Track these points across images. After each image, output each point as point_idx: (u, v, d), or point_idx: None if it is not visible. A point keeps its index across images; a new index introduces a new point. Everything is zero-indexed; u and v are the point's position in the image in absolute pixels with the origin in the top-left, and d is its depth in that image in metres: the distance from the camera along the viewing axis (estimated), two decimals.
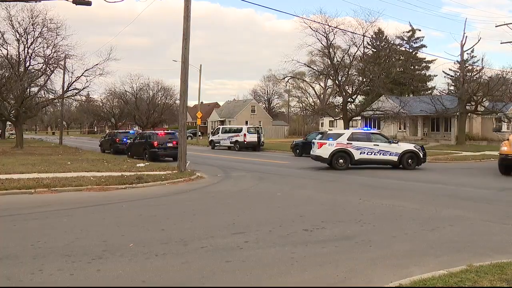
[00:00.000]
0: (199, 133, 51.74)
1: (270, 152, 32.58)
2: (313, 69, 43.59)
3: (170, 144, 22.83)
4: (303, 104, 70.61)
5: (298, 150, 27.67)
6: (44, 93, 33.79)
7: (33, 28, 29.46)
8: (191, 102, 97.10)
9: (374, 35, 40.24)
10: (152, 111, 59.19)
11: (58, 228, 7.26)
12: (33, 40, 29.95)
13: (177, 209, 9.39)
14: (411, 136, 43.23)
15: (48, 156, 22.43)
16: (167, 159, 22.72)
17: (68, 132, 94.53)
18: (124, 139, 28.70)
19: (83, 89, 34.41)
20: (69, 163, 18.30)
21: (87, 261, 5.36)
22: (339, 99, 41.57)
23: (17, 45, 30.03)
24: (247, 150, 33.12)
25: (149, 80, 63.42)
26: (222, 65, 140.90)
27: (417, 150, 18.46)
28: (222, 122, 67.72)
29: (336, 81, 36.65)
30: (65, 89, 34.76)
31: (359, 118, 43.09)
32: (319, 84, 64.99)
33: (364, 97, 44.56)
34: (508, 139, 16.37)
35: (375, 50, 42.09)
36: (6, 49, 29.88)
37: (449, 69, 50.60)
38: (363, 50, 36.70)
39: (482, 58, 49.73)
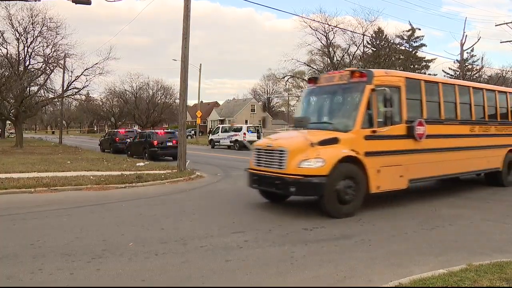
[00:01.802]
0: (193, 132, 51.57)
1: None
2: (313, 68, 43.51)
3: (169, 143, 22.87)
4: None
5: None
6: (44, 92, 33.89)
7: (33, 27, 29.55)
8: (191, 101, 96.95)
9: (373, 34, 40.17)
10: (152, 110, 59.25)
11: (57, 227, 7.26)
12: (33, 39, 30.03)
13: (177, 208, 9.38)
14: None
15: (48, 155, 22.44)
16: (166, 158, 22.72)
17: (67, 132, 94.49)
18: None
19: (82, 88, 34.57)
20: (68, 162, 18.30)
21: (87, 260, 5.36)
22: None
23: (17, 44, 30.14)
24: (247, 149, 33.09)
25: (149, 79, 63.68)
26: (222, 64, 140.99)
27: None
28: (222, 122, 67.73)
29: None
30: (64, 88, 34.79)
31: None
32: None
33: None
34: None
35: (375, 49, 42.03)
36: (6, 48, 29.97)
37: (449, 68, 50.71)
38: (363, 49, 36.82)
39: (482, 57, 49.69)
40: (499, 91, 12.88)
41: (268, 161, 8.74)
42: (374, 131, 8.49)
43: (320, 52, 38.89)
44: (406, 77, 9.54)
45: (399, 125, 9.01)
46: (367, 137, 8.43)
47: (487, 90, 12.39)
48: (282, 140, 8.91)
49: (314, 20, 33.79)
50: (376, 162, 8.48)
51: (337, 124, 8.84)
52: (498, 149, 11.98)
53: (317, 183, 7.82)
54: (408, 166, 9.14)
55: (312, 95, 10.25)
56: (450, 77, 48.37)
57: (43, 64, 31.38)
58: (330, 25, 33.46)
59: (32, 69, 31.96)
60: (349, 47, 35.66)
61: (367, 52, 39.74)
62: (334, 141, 8.22)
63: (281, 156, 8.32)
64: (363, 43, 35.75)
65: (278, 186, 8.39)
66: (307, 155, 7.96)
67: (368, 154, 8.38)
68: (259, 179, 8.95)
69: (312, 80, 10.32)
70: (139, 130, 39.17)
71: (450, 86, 11.18)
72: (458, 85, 11.40)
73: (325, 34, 34.44)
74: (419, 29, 57.01)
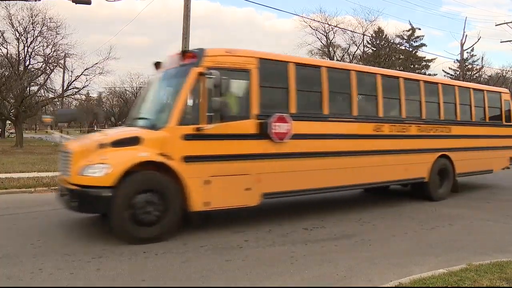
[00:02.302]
0: None
1: None
2: None
3: None
4: None
5: None
6: (44, 92, 33.91)
7: (33, 27, 29.57)
8: None
9: (374, 34, 40.21)
10: None
11: (57, 227, 7.25)
12: (33, 39, 30.03)
13: None
14: None
15: (48, 155, 22.42)
16: None
17: (68, 132, 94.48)
18: None
19: (82, 88, 34.61)
20: None
21: (87, 260, 5.36)
22: None
23: (17, 44, 30.14)
24: None
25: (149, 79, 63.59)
26: None
27: None
28: None
29: None
30: (65, 88, 34.81)
31: None
32: None
33: None
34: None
35: (375, 49, 42.07)
36: (6, 48, 29.98)
37: (449, 68, 50.71)
38: (363, 49, 36.85)
39: (482, 57, 49.77)
40: (425, 81, 10.30)
41: (62, 166, 6.92)
42: (198, 129, 6.41)
43: (320, 52, 38.94)
44: (261, 58, 7.17)
45: (245, 121, 6.89)
46: (188, 137, 6.38)
47: (406, 79, 9.69)
48: (76, 140, 7.37)
49: (314, 20, 33.93)
50: (202, 170, 6.44)
51: (152, 119, 7.02)
52: (423, 154, 9.64)
53: (99, 197, 5.87)
54: (261, 175, 6.97)
55: (152, 83, 8.18)
56: (450, 77, 48.17)
57: (43, 64, 31.41)
58: (330, 25, 33.64)
59: (32, 69, 31.97)
60: (349, 47, 35.82)
61: (367, 52, 39.79)
62: (133, 141, 6.24)
63: (67, 160, 6.49)
64: (363, 43, 35.91)
65: (67, 200, 6.37)
66: (92, 159, 6.07)
67: (189, 159, 6.34)
68: (60, 189, 6.97)
69: (156, 65, 8.01)
70: None
71: (342, 72, 8.55)
72: (356, 71, 8.67)
73: (325, 34, 34.60)
74: (419, 29, 56.93)
